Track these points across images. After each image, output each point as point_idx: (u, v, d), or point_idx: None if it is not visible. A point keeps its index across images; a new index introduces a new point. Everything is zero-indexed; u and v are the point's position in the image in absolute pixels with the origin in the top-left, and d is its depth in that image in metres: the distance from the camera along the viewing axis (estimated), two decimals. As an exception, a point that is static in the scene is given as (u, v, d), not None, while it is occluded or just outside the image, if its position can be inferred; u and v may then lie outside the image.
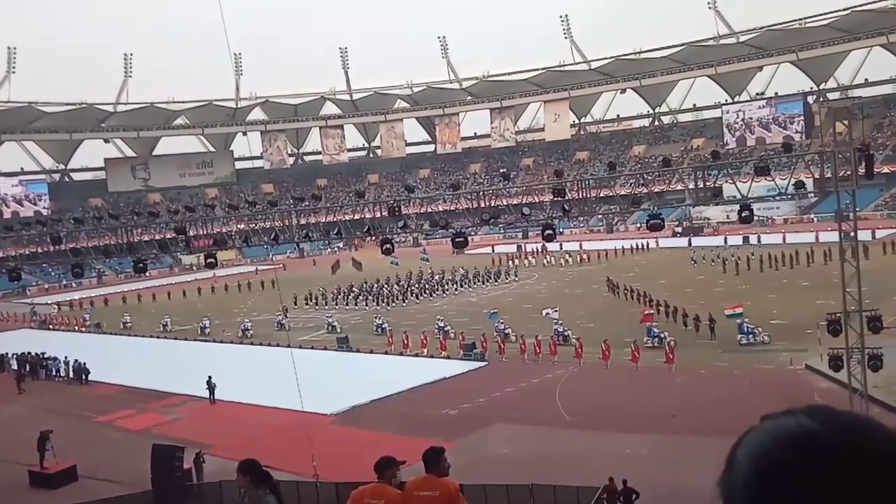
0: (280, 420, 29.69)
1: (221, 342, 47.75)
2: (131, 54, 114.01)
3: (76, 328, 59.34)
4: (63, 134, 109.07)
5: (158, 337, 52.10)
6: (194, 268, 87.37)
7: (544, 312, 41.83)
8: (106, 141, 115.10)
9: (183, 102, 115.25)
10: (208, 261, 33.86)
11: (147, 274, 47.20)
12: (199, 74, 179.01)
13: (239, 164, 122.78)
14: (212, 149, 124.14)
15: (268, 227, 37.96)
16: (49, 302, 73.47)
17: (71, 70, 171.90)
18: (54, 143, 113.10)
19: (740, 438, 1.19)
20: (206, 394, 33.57)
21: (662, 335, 36.29)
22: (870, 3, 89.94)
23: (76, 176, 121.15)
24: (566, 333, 38.40)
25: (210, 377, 33.62)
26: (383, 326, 44.82)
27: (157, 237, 43.05)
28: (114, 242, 36.65)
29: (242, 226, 40.30)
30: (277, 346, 41.48)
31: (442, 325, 42.81)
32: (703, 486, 1.29)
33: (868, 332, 22.72)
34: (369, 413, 30.13)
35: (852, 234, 23.37)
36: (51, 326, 62.33)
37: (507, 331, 40.04)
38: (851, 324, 22.64)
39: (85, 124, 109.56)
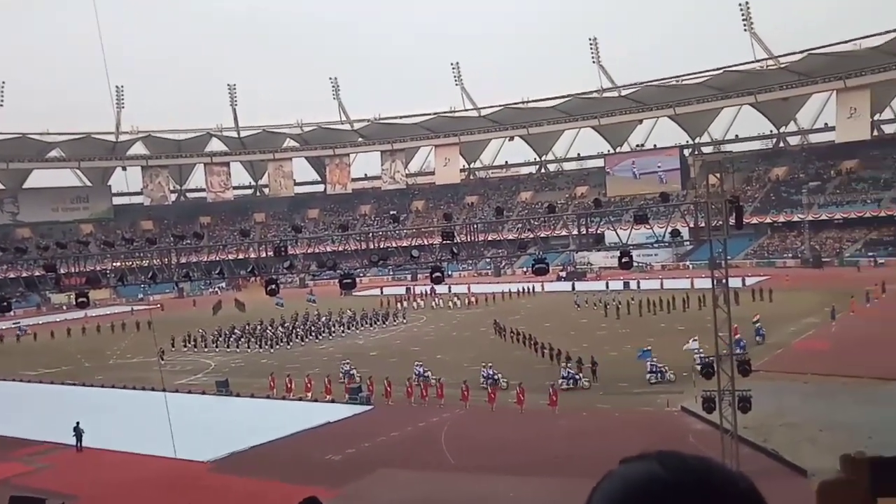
0: (153, 468, 28.17)
1: (91, 386, 45.24)
2: (3, 83, 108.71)
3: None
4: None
5: (21, 380, 48.80)
6: (64, 307, 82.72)
7: (685, 347, 36.44)
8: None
9: (59, 134, 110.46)
10: (79, 300, 32.03)
11: (11, 313, 44.29)
12: (77, 101, 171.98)
13: (117, 200, 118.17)
14: (88, 183, 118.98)
15: (145, 265, 36.32)
16: None
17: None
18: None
19: (598, 484, 1.23)
20: (73, 441, 31.54)
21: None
22: (740, 65, 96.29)
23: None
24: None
25: (78, 423, 31.63)
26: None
27: (24, 274, 40.61)
28: (-26, 279, 34.29)
29: (118, 264, 38.38)
30: (152, 389, 39.58)
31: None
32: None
33: (738, 374, 23.65)
34: (249, 460, 28.99)
35: (724, 280, 24.41)
36: None
37: (663, 369, 36.17)
38: (723, 367, 23.52)
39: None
